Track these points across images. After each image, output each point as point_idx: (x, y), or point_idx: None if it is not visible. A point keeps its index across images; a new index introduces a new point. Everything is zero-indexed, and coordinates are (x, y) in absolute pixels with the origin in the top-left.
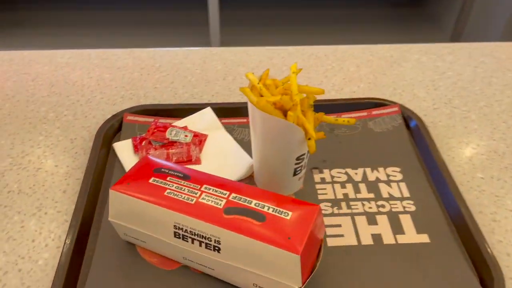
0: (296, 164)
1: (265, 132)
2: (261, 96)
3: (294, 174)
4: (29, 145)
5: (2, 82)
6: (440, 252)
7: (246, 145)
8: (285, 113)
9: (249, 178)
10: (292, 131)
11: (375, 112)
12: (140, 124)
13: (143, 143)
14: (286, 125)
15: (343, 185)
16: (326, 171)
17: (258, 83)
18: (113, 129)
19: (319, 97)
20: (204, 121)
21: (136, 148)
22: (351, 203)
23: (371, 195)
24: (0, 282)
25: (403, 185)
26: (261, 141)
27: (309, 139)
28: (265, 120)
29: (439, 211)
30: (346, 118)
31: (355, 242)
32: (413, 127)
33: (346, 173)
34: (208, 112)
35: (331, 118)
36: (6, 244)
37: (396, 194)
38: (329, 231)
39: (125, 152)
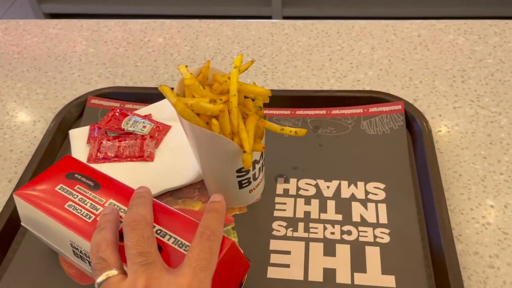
0: (239, 176)
1: (193, 140)
2: (193, 97)
3: (241, 187)
4: None
5: None
6: None
7: None
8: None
9: (202, 183)
10: (219, 143)
11: (372, 109)
12: (104, 109)
13: (97, 132)
14: (210, 136)
15: (307, 200)
16: (293, 180)
17: (189, 80)
18: (73, 114)
19: (305, 88)
20: (171, 110)
21: (89, 138)
22: (311, 224)
23: (339, 217)
24: None
25: (382, 208)
26: (194, 148)
27: (244, 151)
28: (188, 127)
29: (418, 249)
30: (294, 129)
31: (300, 277)
32: (416, 132)
33: (316, 185)
34: None
35: (275, 126)
36: None
37: (370, 218)
38: (274, 258)
39: (79, 141)
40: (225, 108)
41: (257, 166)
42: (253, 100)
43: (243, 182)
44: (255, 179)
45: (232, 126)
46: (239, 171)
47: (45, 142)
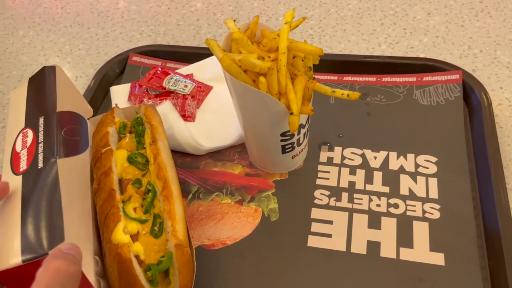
0: (283, 140)
1: (239, 99)
2: (241, 53)
3: (284, 152)
4: None
5: (33, 7)
6: (454, 284)
7: None
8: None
9: (242, 146)
10: (266, 103)
11: (427, 78)
12: (145, 67)
13: (138, 90)
14: (256, 94)
15: (353, 170)
16: (337, 149)
17: (238, 34)
18: (115, 70)
19: (354, 53)
20: (213, 69)
21: (130, 95)
22: (356, 195)
23: (385, 189)
24: None
25: (432, 182)
26: (238, 108)
27: (291, 113)
28: (234, 85)
29: (471, 227)
30: (347, 91)
31: (343, 248)
32: (474, 105)
33: (362, 155)
34: None
35: (326, 88)
36: None
37: (420, 192)
38: (316, 227)
39: (119, 98)
40: (274, 66)
41: (302, 131)
42: (302, 60)
43: (286, 147)
44: (299, 144)
45: (280, 86)
46: (283, 134)
47: (86, 97)
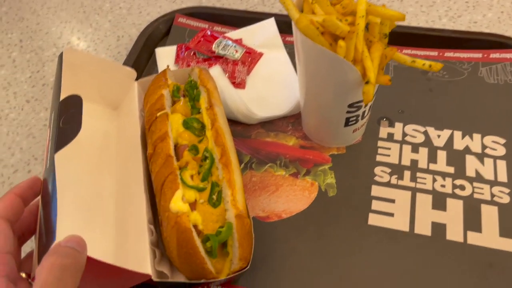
0: (349, 112)
1: (309, 64)
2: (313, 13)
3: (347, 125)
4: (76, 37)
5: None
6: None
7: None
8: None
9: (296, 117)
10: (341, 69)
11: (494, 55)
12: (192, 30)
13: (185, 53)
14: (333, 59)
15: (415, 148)
16: (398, 125)
17: None
18: (161, 31)
19: (414, 25)
20: (263, 35)
21: (177, 58)
22: (419, 174)
23: (450, 170)
24: None
25: (501, 164)
26: (305, 74)
27: (366, 82)
28: (307, 48)
29: None
30: (429, 62)
31: (405, 228)
32: None
33: (425, 132)
34: (270, 24)
35: (405, 57)
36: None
37: (488, 175)
38: (376, 205)
39: (166, 60)
40: (355, 30)
41: (369, 103)
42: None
43: (351, 119)
44: (363, 117)
45: (356, 52)
46: (351, 105)
47: (131, 58)
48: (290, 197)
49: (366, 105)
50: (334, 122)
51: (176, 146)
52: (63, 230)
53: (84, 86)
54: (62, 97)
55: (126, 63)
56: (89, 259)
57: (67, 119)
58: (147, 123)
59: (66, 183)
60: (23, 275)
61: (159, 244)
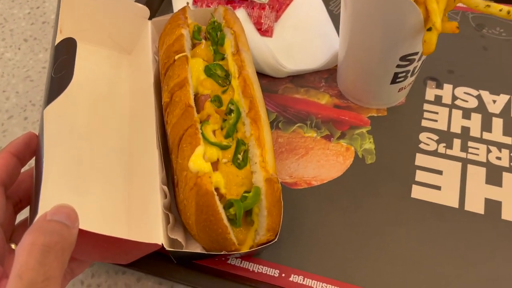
0: (399, 66)
1: (358, 5)
2: None
3: (393, 82)
4: None
5: None
6: None
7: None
8: None
9: (330, 72)
10: (400, 9)
11: None
12: None
13: None
14: None
15: (467, 113)
16: (447, 86)
17: None
18: None
19: None
20: None
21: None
22: (470, 144)
23: (507, 140)
24: None
25: None
26: (351, 16)
27: (429, 29)
28: None
29: None
30: (507, 7)
31: (455, 204)
32: None
33: (478, 96)
34: None
35: (477, 1)
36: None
37: None
38: (421, 176)
39: (182, 1)
40: None
41: (423, 57)
42: None
43: (399, 75)
44: (412, 74)
45: None
46: (403, 58)
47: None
48: (321, 162)
49: (419, 59)
50: (379, 77)
51: (196, 96)
52: (51, 196)
53: (87, 27)
54: (57, 40)
55: (136, 1)
56: (83, 232)
57: (60, 67)
58: (163, 67)
59: (57, 140)
60: (13, 246)
61: (172, 208)
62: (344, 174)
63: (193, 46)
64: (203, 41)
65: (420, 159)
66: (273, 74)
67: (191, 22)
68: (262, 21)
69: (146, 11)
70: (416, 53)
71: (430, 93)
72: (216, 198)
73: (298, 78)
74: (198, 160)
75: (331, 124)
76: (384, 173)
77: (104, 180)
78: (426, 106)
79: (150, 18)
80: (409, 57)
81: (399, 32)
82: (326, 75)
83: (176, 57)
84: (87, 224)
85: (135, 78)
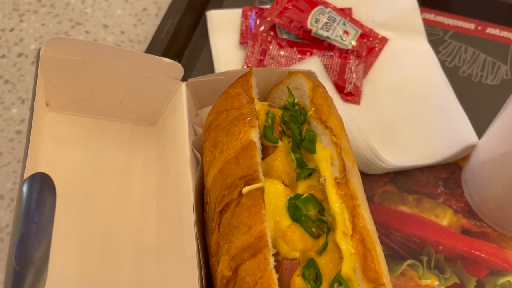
0: None
1: None
2: None
3: None
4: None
5: None
6: None
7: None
8: None
9: (450, 169)
10: None
11: None
12: None
13: (257, 21)
14: None
15: None
16: None
17: None
18: None
19: None
20: (389, 6)
21: (243, 35)
22: None
23: None
24: None
25: None
26: None
27: None
28: None
29: None
30: None
31: None
32: None
33: None
34: None
35: None
36: None
37: None
38: None
39: (224, 34)
40: None
41: None
42: None
43: None
44: None
45: None
46: None
47: (161, 28)
48: None
49: None
50: None
51: (275, 257)
52: None
53: (87, 95)
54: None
55: (155, 41)
56: None
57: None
58: (216, 199)
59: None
60: None
61: None
62: None
63: (264, 151)
64: (280, 142)
65: None
66: (365, 169)
67: (260, 106)
68: (346, 77)
69: (178, 69)
70: None
71: None
72: None
73: (402, 176)
74: None
75: (460, 264)
76: None
77: None
78: None
79: (183, 79)
80: None
81: None
82: (445, 174)
83: (245, 190)
84: None
85: (163, 169)
